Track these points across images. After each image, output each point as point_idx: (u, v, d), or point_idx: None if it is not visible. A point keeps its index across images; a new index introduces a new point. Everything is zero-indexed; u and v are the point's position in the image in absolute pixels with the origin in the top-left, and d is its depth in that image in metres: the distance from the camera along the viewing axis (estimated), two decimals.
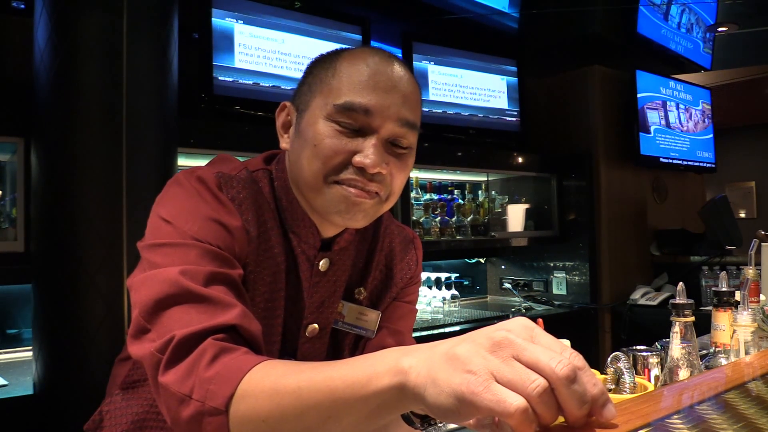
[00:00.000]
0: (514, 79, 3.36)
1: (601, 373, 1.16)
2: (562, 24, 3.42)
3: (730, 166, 6.22)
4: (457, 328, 2.74)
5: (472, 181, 3.39)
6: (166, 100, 1.73)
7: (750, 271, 1.37)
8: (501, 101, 3.29)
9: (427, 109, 2.95)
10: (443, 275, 3.03)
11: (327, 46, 2.42)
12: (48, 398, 1.60)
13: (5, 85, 1.96)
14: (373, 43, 2.75)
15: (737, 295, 1.16)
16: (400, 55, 2.94)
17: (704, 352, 1.17)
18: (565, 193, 3.49)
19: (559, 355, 0.49)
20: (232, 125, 2.23)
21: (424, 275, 2.88)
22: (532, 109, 3.55)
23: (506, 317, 3.10)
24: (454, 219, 3.00)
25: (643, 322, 3.20)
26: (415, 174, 2.97)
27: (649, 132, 3.55)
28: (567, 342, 1.18)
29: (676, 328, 0.99)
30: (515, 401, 0.45)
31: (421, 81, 2.91)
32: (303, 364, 0.63)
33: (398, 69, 0.86)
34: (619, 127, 3.53)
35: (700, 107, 4.03)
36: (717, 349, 1.12)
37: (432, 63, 3.02)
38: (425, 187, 3.02)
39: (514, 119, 3.33)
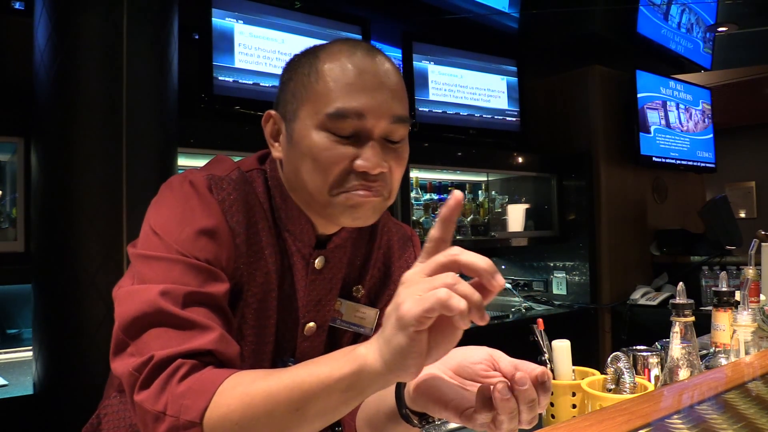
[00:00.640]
0: (514, 79, 3.36)
1: (601, 373, 1.16)
2: (562, 24, 3.41)
3: (730, 166, 6.21)
4: None
5: (472, 181, 3.39)
6: (166, 100, 1.73)
7: (750, 271, 1.37)
8: (501, 101, 3.29)
9: (427, 109, 2.95)
10: None
11: None
12: (48, 398, 1.60)
13: (5, 85, 1.96)
14: (373, 43, 2.75)
15: (737, 295, 1.16)
16: (400, 55, 2.94)
17: (704, 352, 1.17)
18: (565, 193, 3.49)
19: (445, 252, 0.59)
20: (232, 125, 2.23)
21: None
22: (532, 109, 3.55)
23: (506, 317, 3.10)
24: None
25: (643, 322, 3.20)
26: (415, 174, 2.97)
27: (649, 132, 3.55)
28: (566, 342, 1.18)
29: (676, 328, 0.99)
30: (440, 293, 0.54)
31: (421, 81, 2.95)
32: (273, 370, 0.68)
33: (381, 63, 0.84)
34: (619, 127, 3.53)
35: (700, 107, 4.03)
36: (717, 349, 1.12)
37: (432, 63, 3.02)
38: (425, 187, 3.02)
39: (514, 119, 3.33)
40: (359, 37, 2.66)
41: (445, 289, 0.54)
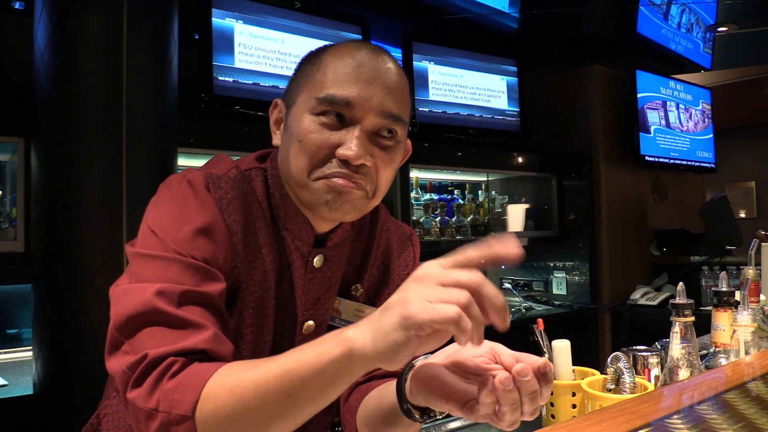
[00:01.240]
0: (514, 79, 3.36)
1: (601, 373, 1.16)
2: (562, 24, 3.42)
3: (730, 166, 6.22)
4: None
5: (472, 181, 3.39)
6: (166, 100, 1.73)
7: (750, 271, 1.37)
8: (501, 101, 3.29)
9: (427, 109, 2.95)
10: None
11: None
12: (48, 398, 1.60)
13: (5, 85, 1.96)
14: (373, 43, 2.75)
15: (737, 295, 1.16)
16: (400, 55, 2.94)
17: (704, 352, 1.17)
18: (565, 193, 3.49)
19: (469, 273, 0.60)
20: (232, 125, 2.23)
21: None
22: (532, 109, 3.55)
23: None
24: (454, 219, 3.00)
25: (643, 322, 3.20)
26: (415, 174, 2.97)
27: (649, 132, 3.55)
28: (566, 342, 1.18)
29: (676, 328, 0.99)
30: (451, 310, 0.55)
31: (421, 81, 2.95)
32: (261, 359, 0.67)
33: (384, 61, 0.85)
34: (619, 127, 3.53)
35: (700, 107, 4.03)
36: (717, 349, 1.12)
37: (432, 63, 3.02)
38: (425, 187, 3.02)
39: (514, 119, 3.33)
40: (359, 37, 2.66)
41: (457, 309, 0.56)
